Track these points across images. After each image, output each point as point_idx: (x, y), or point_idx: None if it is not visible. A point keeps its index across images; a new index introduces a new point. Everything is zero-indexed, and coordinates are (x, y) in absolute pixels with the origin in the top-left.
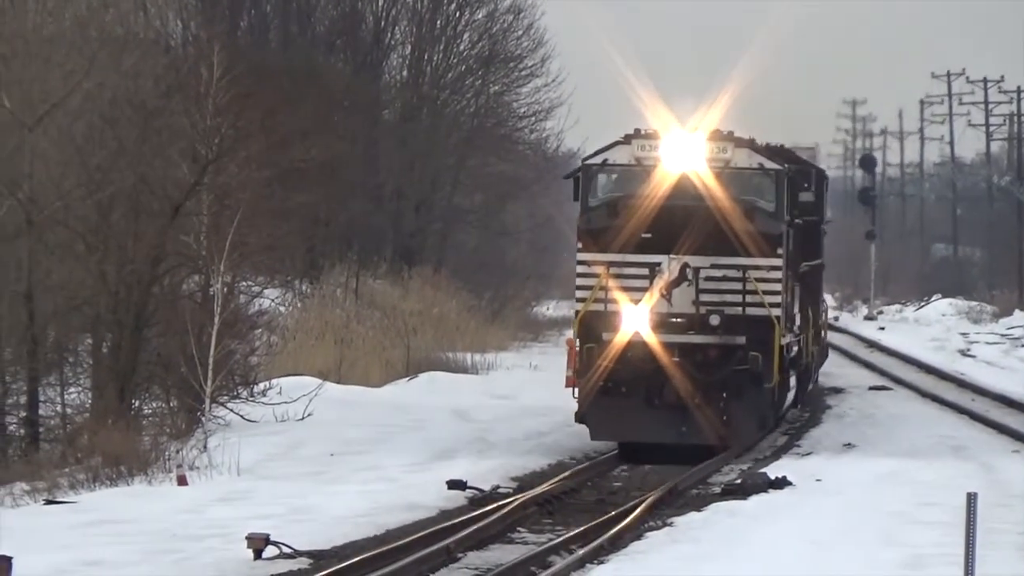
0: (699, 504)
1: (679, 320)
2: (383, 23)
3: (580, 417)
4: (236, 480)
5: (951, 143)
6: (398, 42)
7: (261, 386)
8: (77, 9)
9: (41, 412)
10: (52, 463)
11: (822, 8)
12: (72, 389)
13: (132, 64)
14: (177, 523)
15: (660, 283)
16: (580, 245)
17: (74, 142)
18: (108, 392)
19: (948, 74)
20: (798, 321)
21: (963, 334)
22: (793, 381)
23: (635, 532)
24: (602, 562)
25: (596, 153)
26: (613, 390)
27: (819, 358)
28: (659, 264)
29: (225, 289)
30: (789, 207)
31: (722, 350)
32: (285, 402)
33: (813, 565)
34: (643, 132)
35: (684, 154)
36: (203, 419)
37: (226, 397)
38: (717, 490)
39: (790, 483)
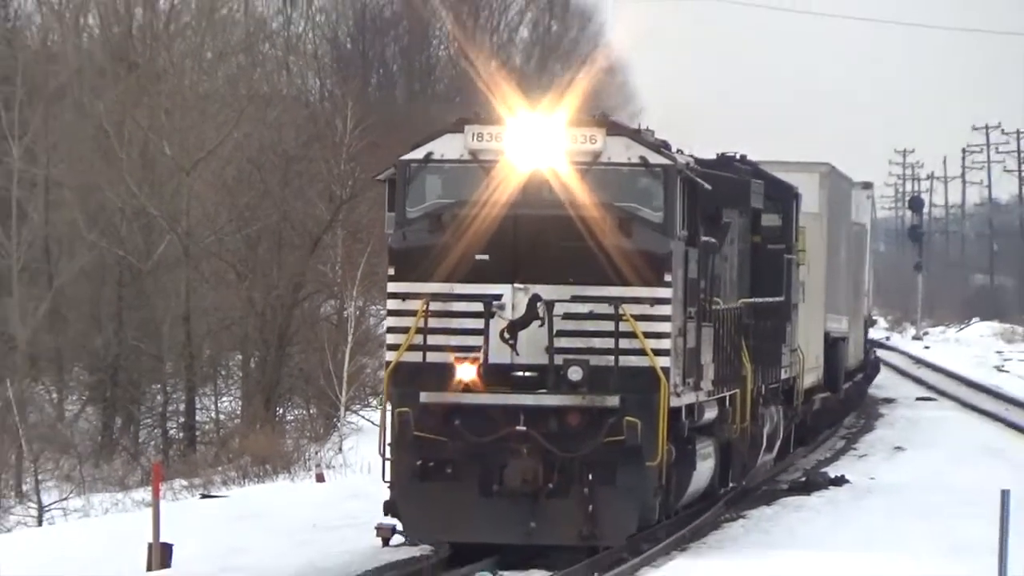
0: (769, 499)
1: (527, 374)
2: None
3: (390, 507)
4: (367, 477)
5: (989, 186)
6: None
7: None
8: (228, 69)
9: (198, 418)
10: (207, 463)
11: (874, 64)
12: (224, 398)
13: (276, 117)
14: (315, 515)
15: (500, 323)
16: (392, 271)
17: (225, 184)
18: (256, 401)
19: (986, 127)
20: (710, 374)
21: (999, 352)
22: (707, 452)
23: (713, 524)
24: (684, 549)
25: (417, 145)
26: (435, 472)
27: (781, 423)
28: (499, 297)
29: (357, 312)
30: (688, 218)
31: (586, 415)
32: None
33: (867, 552)
34: (482, 116)
35: (536, 145)
36: (338, 424)
37: (358, 405)
38: (784, 487)
39: (848, 481)
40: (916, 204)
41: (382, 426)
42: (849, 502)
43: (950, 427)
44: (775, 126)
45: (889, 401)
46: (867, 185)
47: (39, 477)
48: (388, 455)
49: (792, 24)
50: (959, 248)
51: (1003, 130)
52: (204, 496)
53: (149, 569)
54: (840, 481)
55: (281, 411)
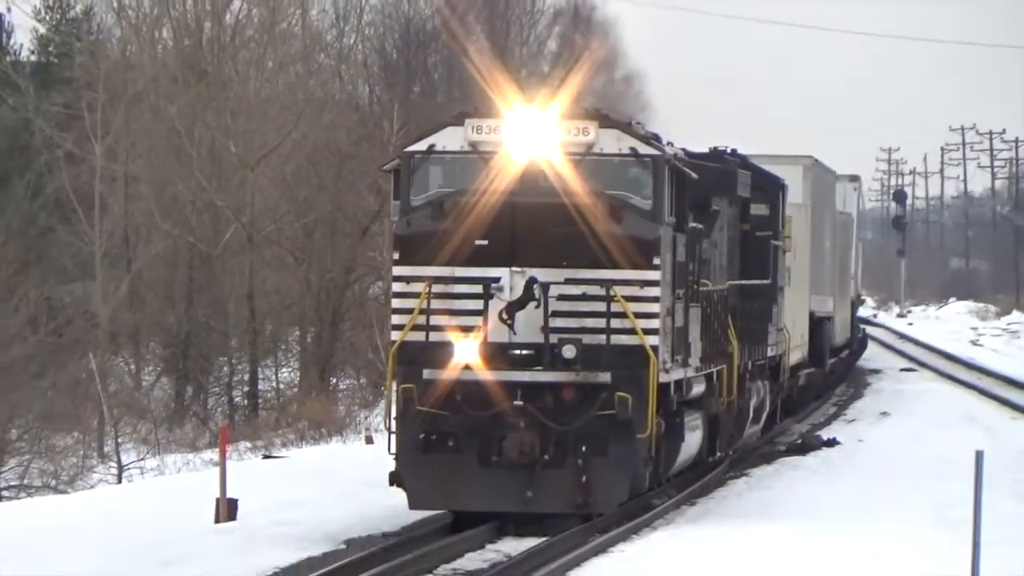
0: (769, 459)
1: (523, 352)
2: (523, 88)
3: (395, 478)
4: None
5: (964, 181)
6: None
7: None
8: (287, 77)
9: (260, 387)
10: (268, 427)
11: (863, 71)
12: (284, 370)
13: (330, 119)
14: (364, 474)
15: (499, 305)
16: (396, 255)
17: (285, 179)
18: (312, 372)
19: (962, 127)
20: (698, 351)
21: (973, 328)
22: (695, 424)
23: (719, 481)
24: (693, 504)
25: (420, 138)
26: (437, 444)
27: (767, 397)
28: (497, 280)
29: None
30: (676, 206)
31: (580, 391)
32: None
33: (860, 505)
34: (481, 110)
35: (532, 137)
36: (385, 393)
37: None
38: (782, 448)
39: (839, 443)
40: (900, 196)
41: (387, 402)
42: (841, 462)
43: (930, 395)
44: (773, 124)
45: (876, 372)
46: (854, 178)
47: (119, 440)
48: (393, 429)
49: (792, 36)
50: (938, 236)
51: (977, 131)
52: (266, 456)
53: (216, 521)
54: (832, 443)
55: (334, 381)
